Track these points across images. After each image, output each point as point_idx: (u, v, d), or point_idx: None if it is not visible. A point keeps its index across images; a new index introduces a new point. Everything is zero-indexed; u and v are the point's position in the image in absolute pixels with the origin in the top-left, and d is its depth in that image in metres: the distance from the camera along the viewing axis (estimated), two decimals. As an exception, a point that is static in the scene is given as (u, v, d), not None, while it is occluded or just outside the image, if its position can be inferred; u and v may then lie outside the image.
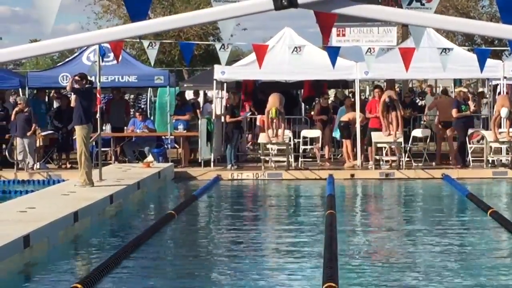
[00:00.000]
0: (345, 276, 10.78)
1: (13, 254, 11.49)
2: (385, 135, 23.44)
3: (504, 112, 23.07)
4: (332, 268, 10.90)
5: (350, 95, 27.96)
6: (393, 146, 23.88)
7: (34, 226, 12.72)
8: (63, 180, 21.30)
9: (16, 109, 23.30)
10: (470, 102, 25.77)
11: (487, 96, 28.40)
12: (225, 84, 25.96)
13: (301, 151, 25.20)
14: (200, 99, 31.90)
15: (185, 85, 34.24)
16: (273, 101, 23.39)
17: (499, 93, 25.84)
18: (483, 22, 4.13)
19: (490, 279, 10.99)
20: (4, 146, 24.91)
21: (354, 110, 24.35)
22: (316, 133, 25.43)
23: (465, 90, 29.52)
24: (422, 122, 28.61)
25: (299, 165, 24.59)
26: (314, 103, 29.80)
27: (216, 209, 19.07)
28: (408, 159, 24.51)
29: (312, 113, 27.72)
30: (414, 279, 11.09)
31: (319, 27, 6.37)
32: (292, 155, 24.63)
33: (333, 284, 9.83)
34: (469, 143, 24.53)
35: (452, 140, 24.98)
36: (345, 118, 24.34)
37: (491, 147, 23.97)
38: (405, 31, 28.27)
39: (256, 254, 12.90)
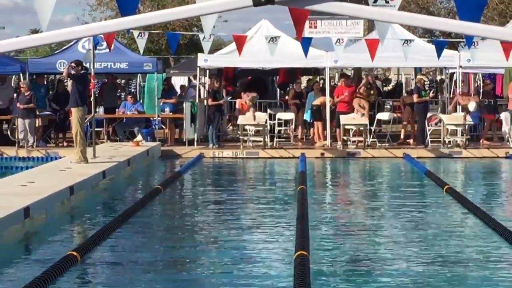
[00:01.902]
0: (315, 245, 10.82)
1: (14, 224, 11.48)
2: (359, 116, 23.59)
3: (472, 106, 23.28)
4: (303, 238, 10.93)
5: (321, 81, 27.93)
6: (360, 128, 23.97)
7: (33, 198, 12.70)
8: (60, 157, 21.24)
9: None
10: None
11: (445, 83, 28.51)
12: (207, 71, 26.03)
13: (276, 132, 25.27)
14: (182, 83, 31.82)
15: (171, 72, 34.24)
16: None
17: (455, 81, 25.96)
18: (442, 19, 4.15)
19: (444, 248, 11.05)
20: (6, 125, 24.88)
21: (323, 95, 24.49)
22: (290, 115, 25.49)
23: (425, 78, 29.59)
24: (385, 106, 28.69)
25: (275, 145, 24.64)
26: (288, 89, 29.85)
27: (198, 184, 19.08)
28: (373, 139, 24.62)
29: (287, 97, 27.78)
30: (377, 248, 11.14)
31: (293, 21, 6.37)
32: (268, 136, 24.68)
33: (305, 252, 9.86)
34: (428, 126, 24.63)
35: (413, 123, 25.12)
36: (317, 102, 24.44)
37: (447, 129, 24.07)
38: (371, 24, 28.31)
39: (235, 225, 12.91)
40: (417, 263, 10.14)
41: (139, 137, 23.93)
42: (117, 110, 25.55)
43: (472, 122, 24.48)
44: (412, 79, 31.02)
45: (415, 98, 24.42)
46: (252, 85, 29.45)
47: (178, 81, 32.49)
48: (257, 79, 30.19)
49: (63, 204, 14.09)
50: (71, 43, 25.28)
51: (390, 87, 34.44)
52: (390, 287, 9.08)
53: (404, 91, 29.91)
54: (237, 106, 26.89)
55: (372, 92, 25.53)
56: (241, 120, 24.38)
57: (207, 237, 12.11)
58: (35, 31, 65.14)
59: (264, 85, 30.44)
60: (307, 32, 22.09)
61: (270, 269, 9.84)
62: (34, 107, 23.32)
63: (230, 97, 27.57)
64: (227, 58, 25.22)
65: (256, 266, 10.00)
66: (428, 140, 24.31)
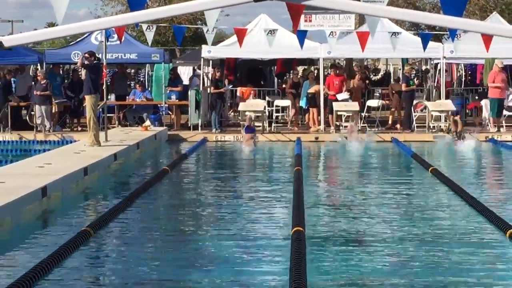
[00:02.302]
0: (310, 221, 10.83)
1: (32, 202, 11.49)
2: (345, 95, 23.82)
3: None
4: (299, 215, 10.96)
5: (316, 71, 27.90)
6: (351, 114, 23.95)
7: (50, 179, 12.71)
8: (75, 141, 21.24)
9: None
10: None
11: (430, 73, 28.51)
12: (211, 61, 26.01)
13: (274, 117, 25.29)
14: (190, 74, 31.77)
15: (177, 62, 34.17)
16: None
17: (439, 71, 25.94)
18: (427, 13, 4.16)
19: (428, 224, 11.08)
20: (25, 111, 24.88)
21: (317, 84, 24.53)
22: (286, 102, 25.52)
23: (413, 68, 29.57)
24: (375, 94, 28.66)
25: (273, 129, 24.65)
26: (285, 78, 29.83)
27: (202, 165, 19.09)
28: (363, 124, 24.61)
29: (284, 86, 27.78)
30: (366, 223, 11.16)
31: (290, 15, 6.37)
32: (267, 121, 24.69)
33: (301, 228, 9.89)
34: (414, 112, 24.63)
35: (400, 109, 25.13)
36: (312, 90, 24.47)
37: (432, 115, 24.07)
38: (362, 18, 28.26)
39: (235, 203, 12.93)
40: (403, 238, 10.17)
41: (147, 122, 23.94)
42: (127, 97, 25.59)
43: (454, 108, 24.49)
44: (400, 69, 30.94)
45: (403, 86, 24.47)
46: (251, 75, 29.47)
47: (184, 71, 32.45)
48: (256, 69, 30.19)
49: (78, 184, 14.10)
50: (85, 36, 25.22)
51: (379, 76, 34.30)
52: (379, 258, 9.10)
53: (392, 80, 29.82)
54: (238, 94, 26.96)
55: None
56: (241, 106, 24.43)
57: (210, 214, 12.13)
58: (52, 25, 65.06)
59: (262, 74, 30.47)
60: (302, 25, 21.98)
61: (268, 243, 9.85)
62: (50, 95, 23.34)
63: (231, 86, 27.51)
64: (228, 49, 25.23)
65: (255, 241, 10.01)
66: (414, 125, 24.33)
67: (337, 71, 25.09)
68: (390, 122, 25.25)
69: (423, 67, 30.76)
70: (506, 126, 24.26)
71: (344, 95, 24.33)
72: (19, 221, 10.74)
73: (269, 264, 8.85)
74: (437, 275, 8.36)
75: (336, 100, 24.11)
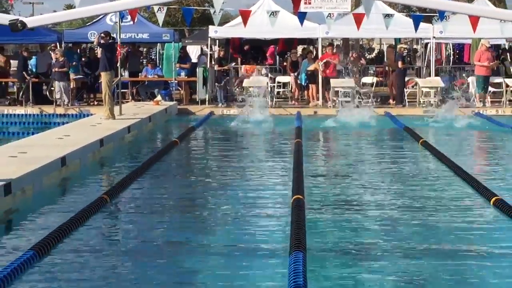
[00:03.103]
0: (309, 190, 10.84)
1: (53, 171, 11.51)
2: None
3: None
4: (299, 184, 10.96)
5: (314, 50, 27.77)
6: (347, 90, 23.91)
7: (69, 149, 12.73)
8: (91, 114, 21.25)
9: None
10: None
11: (419, 52, 28.47)
12: (217, 41, 25.93)
13: (275, 93, 25.25)
14: (198, 52, 31.66)
15: (186, 41, 34.04)
16: None
17: (429, 50, 25.86)
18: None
19: (418, 191, 11.10)
20: (45, 87, 24.91)
21: (315, 62, 24.48)
22: (288, 79, 25.48)
23: (405, 46, 29.46)
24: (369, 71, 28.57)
25: (274, 104, 24.62)
26: (286, 56, 29.72)
27: (209, 137, 19.09)
28: (359, 99, 24.55)
29: (285, 63, 27.71)
30: (360, 192, 11.17)
31: (291, -2, 6.34)
32: (269, 96, 24.64)
33: (300, 196, 9.90)
34: (406, 88, 24.57)
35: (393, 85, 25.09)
36: (311, 68, 24.44)
37: (422, 91, 24.01)
38: (358, 0, 28.12)
39: (240, 172, 12.94)
40: (394, 205, 10.18)
41: (158, 97, 23.95)
42: (139, 74, 25.61)
43: (443, 85, 24.46)
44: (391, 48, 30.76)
45: (399, 64, 24.39)
46: (252, 53, 29.39)
47: (192, 50, 32.34)
48: (257, 48, 30.12)
49: (94, 154, 14.11)
50: (100, 17, 25.14)
51: (373, 55, 34.25)
52: (372, 222, 9.12)
53: (385, 58, 29.70)
54: (242, 71, 26.93)
55: (361, 60, 25.54)
56: (245, 83, 24.39)
57: (216, 182, 12.13)
58: (70, 6, 64.75)
59: (263, 52, 30.38)
60: (302, 7, 21.85)
61: (270, 210, 9.87)
62: (67, 71, 23.39)
63: (234, 63, 27.43)
64: (234, 30, 25.20)
65: (258, 207, 10.04)
66: (405, 101, 24.28)
67: (333, 50, 24.95)
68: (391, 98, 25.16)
69: (415, 46, 30.64)
70: (491, 101, 24.19)
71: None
72: (40, 188, 10.77)
73: (271, 229, 8.87)
74: (425, 238, 8.38)
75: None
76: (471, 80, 24.84)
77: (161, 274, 7.12)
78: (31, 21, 8.54)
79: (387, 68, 27.40)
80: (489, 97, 24.23)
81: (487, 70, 24.03)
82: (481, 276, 7.13)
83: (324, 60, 23.86)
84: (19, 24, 8.06)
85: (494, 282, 6.93)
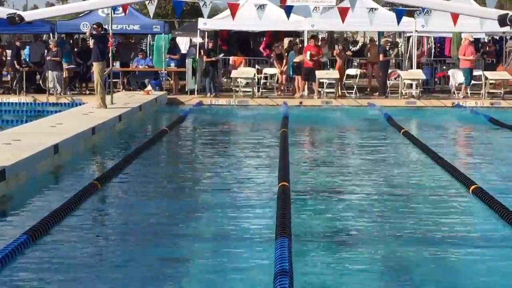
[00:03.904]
0: (294, 177, 10.85)
1: (46, 158, 11.47)
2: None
3: None
4: (285, 171, 10.98)
5: (300, 42, 27.73)
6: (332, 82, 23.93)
7: (61, 137, 12.68)
8: (84, 103, 21.17)
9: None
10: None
11: (400, 45, 28.51)
12: (206, 33, 25.84)
13: (262, 84, 25.26)
14: (187, 44, 31.58)
15: (176, 33, 34.02)
16: None
17: (411, 43, 25.90)
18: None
19: (397, 177, 11.15)
20: (39, 76, 24.82)
21: (301, 54, 24.43)
22: (274, 70, 25.44)
23: (389, 39, 29.49)
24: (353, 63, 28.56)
25: (261, 94, 24.61)
26: (273, 48, 29.66)
27: (198, 126, 19.06)
28: (343, 91, 24.61)
29: (272, 55, 27.63)
30: (345, 179, 11.22)
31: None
32: (256, 87, 24.65)
33: (286, 183, 9.92)
34: (388, 80, 24.62)
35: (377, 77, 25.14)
36: (297, 59, 24.40)
37: (404, 83, 24.06)
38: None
39: (228, 159, 12.95)
40: (376, 190, 10.23)
41: (149, 87, 23.93)
42: (130, 64, 25.54)
43: (424, 77, 24.56)
44: (376, 41, 30.79)
45: (381, 57, 24.41)
46: (241, 44, 29.32)
47: (182, 41, 32.25)
48: (245, 40, 30.06)
49: (86, 142, 14.06)
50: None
51: (357, 47, 34.22)
52: (355, 209, 9.15)
53: (366, 52, 29.67)
54: (230, 62, 26.90)
55: (347, 52, 25.61)
56: (233, 73, 24.43)
57: (205, 168, 12.16)
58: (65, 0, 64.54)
59: (249, 43, 30.31)
60: (289, 1, 21.88)
61: (257, 196, 9.89)
62: (60, 61, 23.29)
63: (223, 54, 27.39)
64: (222, 22, 25.15)
65: (245, 193, 10.06)
66: (388, 92, 24.33)
67: (316, 42, 24.89)
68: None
69: (397, 40, 30.64)
70: (470, 93, 24.26)
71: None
72: (33, 175, 10.73)
73: (258, 214, 8.88)
74: (406, 224, 8.42)
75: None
76: (451, 72, 24.92)
77: (149, 258, 7.12)
78: (29, 15, 8.56)
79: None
80: (468, 88, 24.28)
81: (471, 64, 24.12)
82: (461, 261, 7.17)
83: (308, 52, 23.82)
84: (16, 18, 8.07)
85: (474, 268, 6.96)
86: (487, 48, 27.18)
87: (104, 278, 6.59)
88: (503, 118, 18.60)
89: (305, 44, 24.84)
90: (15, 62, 24.04)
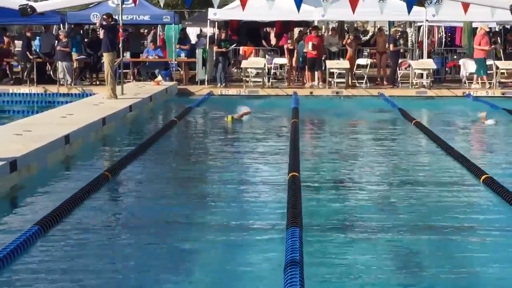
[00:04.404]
0: (305, 167, 10.84)
1: (57, 148, 11.50)
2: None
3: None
4: (295, 161, 10.97)
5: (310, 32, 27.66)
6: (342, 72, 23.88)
7: (72, 128, 12.71)
8: (94, 94, 21.21)
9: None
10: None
11: (411, 35, 28.41)
12: (216, 23, 25.82)
13: (272, 74, 25.22)
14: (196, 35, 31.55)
15: (186, 23, 33.95)
16: None
17: (422, 33, 25.79)
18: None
19: (409, 169, 11.11)
20: (49, 67, 24.85)
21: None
22: (284, 60, 25.38)
23: (399, 29, 29.38)
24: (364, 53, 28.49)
25: (271, 85, 24.57)
26: (286, 44, 29.57)
27: (208, 116, 19.04)
28: (353, 81, 24.55)
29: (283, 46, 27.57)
30: (355, 168, 11.23)
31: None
32: (266, 77, 24.61)
33: (296, 173, 9.91)
34: (399, 70, 24.54)
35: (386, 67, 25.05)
36: (306, 50, 24.35)
37: (415, 72, 23.98)
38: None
39: (238, 149, 12.95)
40: (386, 179, 10.21)
41: (159, 78, 23.90)
42: (141, 55, 25.54)
43: (435, 67, 24.46)
44: (386, 31, 30.69)
45: (391, 47, 24.34)
46: (251, 35, 29.23)
47: (192, 31, 32.25)
48: (255, 30, 29.96)
49: (97, 132, 14.09)
50: (103, -1, 25.04)
51: (367, 37, 34.10)
52: (363, 195, 9.14)
53: (374, 41, 29.56)
54: (240, 53, 26.86)
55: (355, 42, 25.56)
56: (244, 64, 24.39)
57: (215, 158, 12.15)
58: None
59: (259, 33, 30.21)
60: (299, -9, 21.82)
61: (268, 186, 9.87)
62: (70, 51, 23.31)
63: (234, 45, 27.35)
64: (232, 12, 25.06)
65: (256, 183, 10.05)
66: (399, 82, 24.26)
67: (317, 33, 24.78)
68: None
69: (408, 29, 30.54)
70: (481, 82, 24.15)
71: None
72: (44, 165, 10.75)
73: (269, 204, 8.87)
74: (417, 214, 8.40)
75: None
76: (462, 62, 24.81)
77: (160, 249, 7.13)
78: (40, 6, 8.58)
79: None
80: (479, 78, 24.16)
81: (486, 53, 24.00)
82: (472, 250, 7.14)
83: (310, 43, 23.76)
84: (28, 9, 8.10)
85: (485, 257, 6.93)
86: (509, 37, 26.97)
87: (115, 267, 6.60)
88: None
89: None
90: (26, 52, 24.08)
